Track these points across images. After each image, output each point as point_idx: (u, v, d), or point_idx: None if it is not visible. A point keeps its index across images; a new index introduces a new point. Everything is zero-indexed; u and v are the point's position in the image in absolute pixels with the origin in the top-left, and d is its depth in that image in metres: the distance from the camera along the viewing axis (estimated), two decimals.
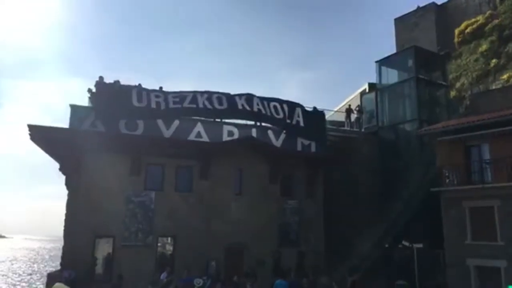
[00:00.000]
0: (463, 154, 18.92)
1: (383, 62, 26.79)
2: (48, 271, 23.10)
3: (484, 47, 30.24)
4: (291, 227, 21.22)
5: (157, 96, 19.49)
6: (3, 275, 47.36)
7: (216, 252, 19.09)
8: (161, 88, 20.24)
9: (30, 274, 49.39)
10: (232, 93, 21.31)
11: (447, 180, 19.09)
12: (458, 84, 30.47)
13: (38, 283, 40.80)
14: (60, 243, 17.84)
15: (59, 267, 19.08)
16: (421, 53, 25.81)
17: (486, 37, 30.57)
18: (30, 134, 16.69)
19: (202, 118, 20.39)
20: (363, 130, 26.73)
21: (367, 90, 28.81)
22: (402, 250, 23.12)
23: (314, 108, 23.61)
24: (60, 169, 18.25)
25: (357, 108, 27.45)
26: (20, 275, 48.56)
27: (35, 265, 60.97)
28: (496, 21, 30.42)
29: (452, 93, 29.15)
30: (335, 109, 30.67)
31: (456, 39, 32.81)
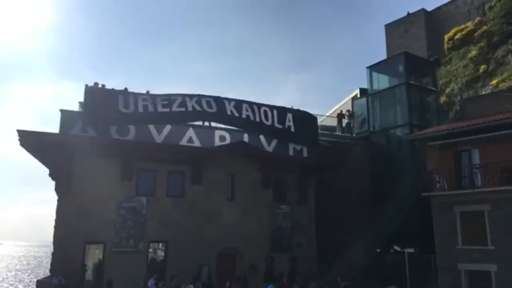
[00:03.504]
0: (454, 159, 19.06)
1: (374, 68, 26.98)
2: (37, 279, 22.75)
3: (473, 53, 30.57)
4: (283, 232, 21.19)
5: (144, 100, 19.37)
6: None
7: (208, 258, 19.00)
8: (147, 92, 20.09)
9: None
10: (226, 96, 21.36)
11: (438, 185, 19.21)
12: (448, 90, 30.74)
13: None
14: (51, 249, 17.61)
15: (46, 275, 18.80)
16: (411, 59, 26.04)
17: (475, 43, 30.91)
18: (19, 139, 16.51)
19: (194, 123, 20.35)
20: (354, 135, 26.86)
21: (358, 95, 28.99)
22: (394, 255, 23.18)
23: (307, 112, 23.66)
24: (50, 175, 18.07)
25: (347, 113, 27.60)
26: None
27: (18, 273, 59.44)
28: (485, 28, 30.81)
29: (442, 99, 29.40)
30: (327, 114, 30.79)
31: (445, 45, 33.13)
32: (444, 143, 19.21)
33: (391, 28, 37.55)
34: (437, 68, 30.35)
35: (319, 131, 24.46)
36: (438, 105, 26.93)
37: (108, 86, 19.74)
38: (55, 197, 17.95)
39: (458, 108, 26.14)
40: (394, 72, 26.27)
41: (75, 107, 19.35)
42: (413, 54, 27.41)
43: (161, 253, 19.08)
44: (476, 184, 18.18)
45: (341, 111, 28.12)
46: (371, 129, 26.06)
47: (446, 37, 33.21)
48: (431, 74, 27.49)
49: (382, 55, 35.65)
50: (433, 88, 26.96)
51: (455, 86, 30.54)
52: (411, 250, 21.83)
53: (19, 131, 16.39)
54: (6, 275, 58.97)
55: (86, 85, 18.78)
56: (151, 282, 16.33)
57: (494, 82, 27.57)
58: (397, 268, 21.12)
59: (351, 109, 27.95)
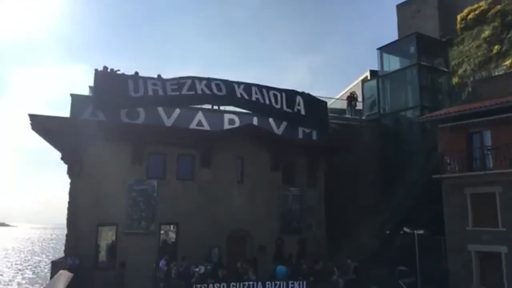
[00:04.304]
0: (465, 140, 18.89)
1: (385, 49, 26.61)
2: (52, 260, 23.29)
3: (486, 33, 29.97)
4: (293, 214, 21.31)
5: (154, 84, 19.41)
6: None
7: (218, 240, 19.23)
8: (159, 76, 20.10)
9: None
10: (234, 80, 21.36)
11: (449, 167, 19.11)
12: (460, 71, 30.27)
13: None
14: (65, 231, 17.99)
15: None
16: (423, 40, 25.61)
17: (488, 23, 30.30)
18: (31, 124, 16.71)
19: (203, 107, 20.38)
20: (364, 117, 26.70)
21: (368, 77, 28.69)
22: (404, 236, 23.21)
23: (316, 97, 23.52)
24: (62, 158, 18.31)
25: (353, 95, 27.45)
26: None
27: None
28: (499, 7, 30.12)
29: (454, 80, 28.99)
30: (337, 97, 30.59)
31: (458, 25, 32.52)
32: (456, 124, 19.02)
33: (402, 8, 36.95)
34: (450, 49, 29.84)
35: (329, 114, 24.29)
36: (450, 87, 26.57)
37: (116, 67, 19.77)
38: (67, 180, 18.24)
39: (470, 89, 25.74)
40: (405, 53, 25.91)
41: (85, 91, 19.49)
42: (425, 35, 26.97)
43: (172, 235, 19.35)
44: (488, 166, 18.05)
45: (351, 93, 27.91)
46: (381, 111, 25.86)
47: (459, 16, 32.57)
48: (443, 54, 27.03)
49: (394, 37, 35.17)
50: (445, 69, 26.56)
51: (468, 67, 30.06)
52: (421, 232, 21.83)
53: (30, 116, 16.57)
54: (20, 256, 60.30)
55: (96, 69, 18.85)
56: (162, 263, 16.62)
57: (507, 62, 27.07)
58: (406, 250, 21.18)
59: (357, 92, 27.74)
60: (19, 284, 36.81)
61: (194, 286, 14.66)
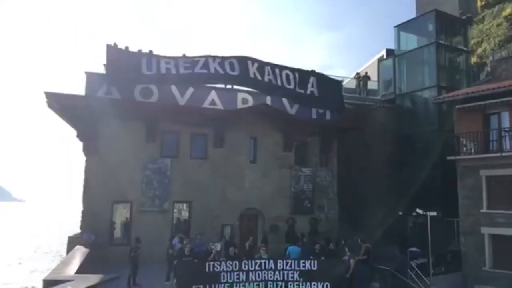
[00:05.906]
0: (482, 122, 18.56)
1: (402, 27, 25.98)
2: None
3: (508, 11, 29.02)
4: (305, 195, 21.36)
5: (167, 63, 19.33)
6: None
7: (230, 218, 19.45)
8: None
9: None
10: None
11: (465, 149, 18.84)
12: (479, 50, 29.49)
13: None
14: (76, 208, 18.34)
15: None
16: (442, 18, 24.90)
17: (510, 1, 29.32)
18: (47, 101, 16.86)
19: (215, 86, 20.28)
20: (379, 97, 26.30)
21: (385, 56, 28.15)
22: (416, 218, 23.16)
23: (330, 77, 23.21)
24: (78, 136, 18.53)
25: (356, 76, 26.98)
26: None
27: None
28: None
29: (473, 59, 28.27)
30: (352, 76, 30.14)
31: (479, 3, 31.56)
32: (473, 105, 18.66)
33: None
34: (469, 27, 29.02)
35: (344, 93, 23.98)
36: (468, 66, 25.92)
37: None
38: (82, 157, 18.48)
39: (489, 69, 25.11)
40: (423, 31, 25.24)
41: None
42: (444, 12, 26.18)
43: (185, 213, 19.59)
44: (505, 148, 17.74)
45: (366, 73, 27.49)
46: (397, 91, 25.45)
47: None
48: (462, 33, 26.27)
49: (412, 14, 34.30)
50: (464, 48, 25.86)
51: (487, 46, 29.25)
52: (434, 213, 21.72)
53: (46, 93, 16.70)
54: (34, 232, 61.42)
55: (108, 45, 18.74)
56: (175, 240, 16.86)
57: None
58: (419, 231, 21.15)
59: (373, 71, 27.26)
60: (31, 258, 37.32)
61: (207, 263, 14.84)
